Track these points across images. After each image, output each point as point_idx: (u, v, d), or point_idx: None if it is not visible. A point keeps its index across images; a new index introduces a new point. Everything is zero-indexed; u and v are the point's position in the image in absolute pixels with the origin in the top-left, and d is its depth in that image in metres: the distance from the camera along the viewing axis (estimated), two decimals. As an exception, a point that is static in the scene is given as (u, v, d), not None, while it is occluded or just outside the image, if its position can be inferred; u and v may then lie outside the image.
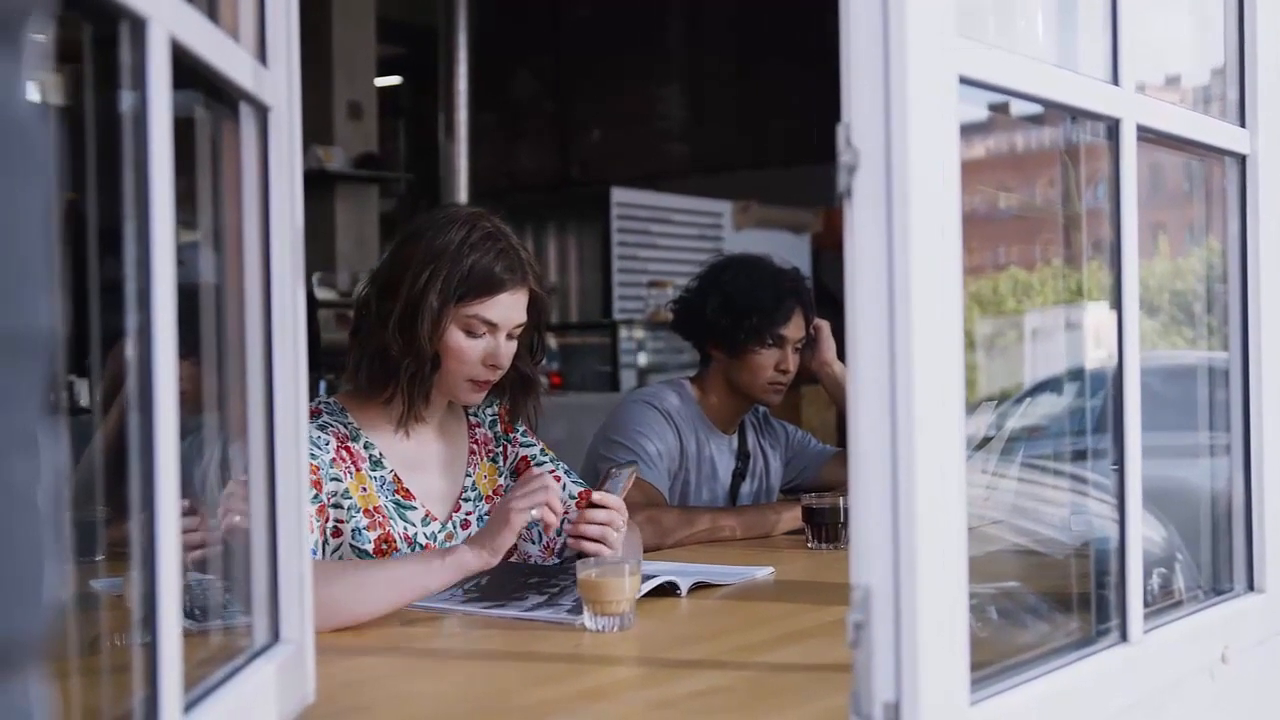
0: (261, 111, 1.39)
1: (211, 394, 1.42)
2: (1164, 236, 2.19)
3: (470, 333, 2.27)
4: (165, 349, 1.05)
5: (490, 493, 2.45)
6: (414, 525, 2.30)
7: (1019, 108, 1.62)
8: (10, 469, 0.57)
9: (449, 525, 2.36)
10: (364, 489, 2.26)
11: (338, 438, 2.25)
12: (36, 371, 0.59)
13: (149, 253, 1.04)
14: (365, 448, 2.30)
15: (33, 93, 0.60)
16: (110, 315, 1.09)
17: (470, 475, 2.43)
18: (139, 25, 1.02)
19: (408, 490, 2.32)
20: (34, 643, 0.59)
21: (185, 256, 1.14)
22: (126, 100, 1.05)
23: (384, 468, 2.31)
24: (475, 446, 2.47)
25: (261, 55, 1.39)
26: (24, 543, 0.58)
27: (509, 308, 2.29)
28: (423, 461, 2.37)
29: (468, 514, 2.40)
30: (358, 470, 2.27)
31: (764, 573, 2.44)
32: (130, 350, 1.05)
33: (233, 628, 1.46)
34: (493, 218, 2.33)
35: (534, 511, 2.06)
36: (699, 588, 2.27)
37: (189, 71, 1.15)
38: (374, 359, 2.29)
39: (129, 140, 1.05)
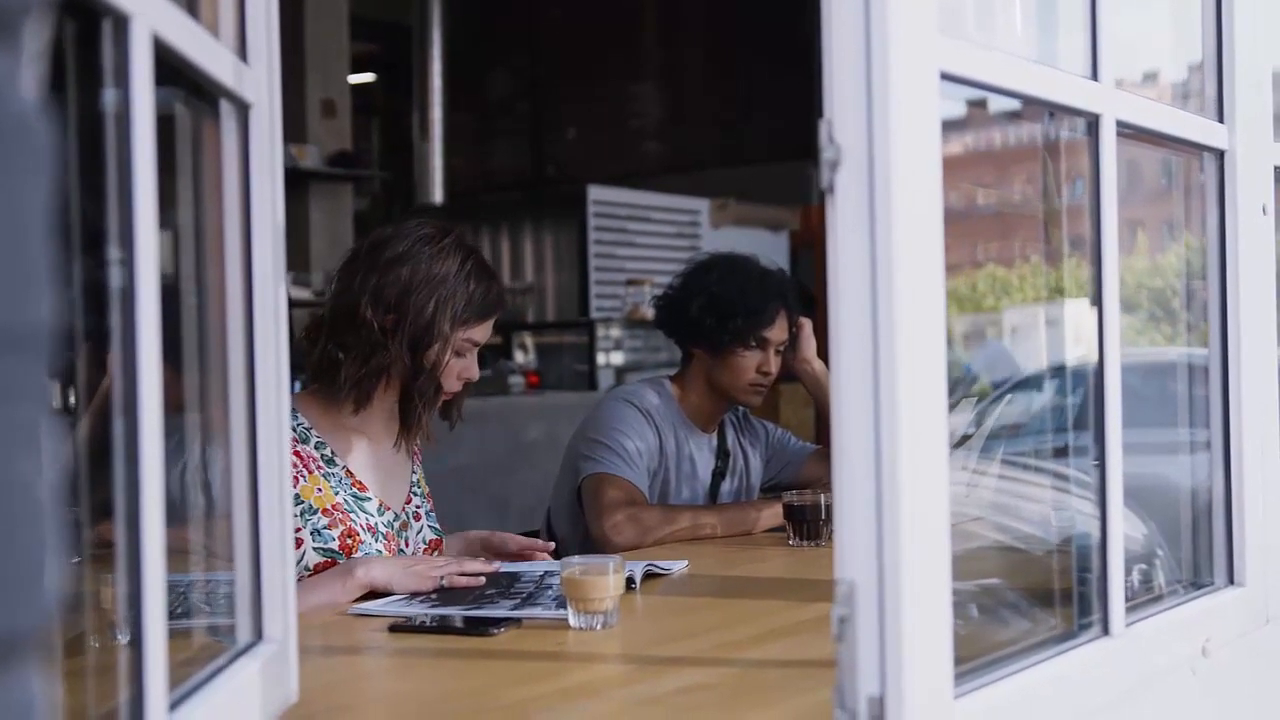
0: (242, 109, 1.39)
1: (192, 395, 1.42)
2: (1142, 233, 2.20)
3: (458, 353, 2.41)
4: (149, 349, 1.04)
5: (427, 493, 2.60)
6: (372, 515, 2.40)
7: (996, 104, 1.63)
8: (15, 463, 0.57)
9: (403, 515, 2.49)
10: (319, 489, 2.35)
11: None
12: (39, 367, 0.60)
13: (132, 252, 1.03)
14: (316, 448, 2.39)
15: (31, 90, 0.60)
16: (88, 315, 1.08)
17: (415, 473, 2.57)
18: (121, 22, 1.02)
19: (361, 483, 2.42)
20: (37, 637, 0.59)
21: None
22: (108, 97, 1.04)
23: (337, 465, 2.39)
24: (416, 450, 2.59)
25: (242, 52, 1.39)
26: (28, 537, 0.58)
27: (490, 329, 2.47)
28: (374, 459, 2.47)
29: (417, 507, 2.54)
30: (310, 472, 2.35)
31: (679, 566, 2.48)
32: (111, 351, 1.05)
33: (215, 627, 1.45)
34: (468, 240, 2.48)
35: (444, 581, 2.21)
36: (649, 577, 2.34)
37: (169, 68, 1.15)
38: (374, 375, 2.37)
39: (111, 137, 1.04)
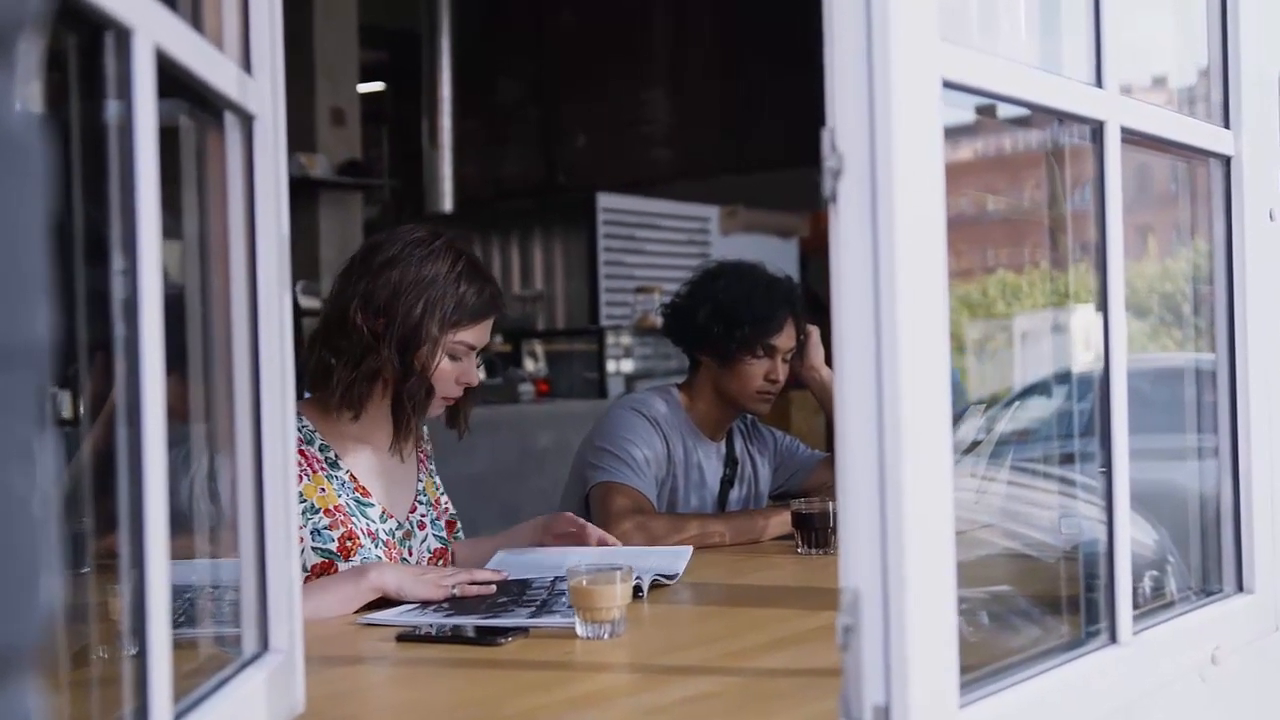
0: (246, 120, 1.39)
1: (198, 406, 1.42)
2: (1152, 238, 2.20)
3: (453, 357, 2.40)
4: (152, 360, 1.04)
5: (434, 501, 2.58)
6: (374, 521, 2.40)
7: (1005, 110, 1.63)
8: (9, 478, 0.57)
9: (406, 524, 2.48)
10: (322, 489, 2.35)
11: None
12: (33, 381, 0.60)
13: (135, 263, 1.03)
14: (321, 450, 2.39)
15: (27, 103, 0.60)
16: (95, 326, 1.08)
17: (421, 482, 2.56)
18: (124, 35, 1.02)
19: (365, 488, 2.41)
20: (31, 651, 0.59)
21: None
22: (111, 109, 1.04)
23: (341, 469, 2.40)
24: (422, 457, 2.59)
25: (246, 64, 1.39)
26: (22, 551, 0.58)
27: (487, 331, 2.45)
28: (378, 467, 2.47)
29: (422, 516, 2.53)
30: (314, 472, 2.36)
31: (685, 554, 2.51)
32: (116, 361, 1.05)
33: (221, 636, 1.45)
34: (461, 243, 2.47)
35: (455, 590, 2.22)
36: (656, 587, 2.33)
37: (173, 80, 1.15)
38: (366, 379, 2.37)
39: (114, 149, 1.04)
